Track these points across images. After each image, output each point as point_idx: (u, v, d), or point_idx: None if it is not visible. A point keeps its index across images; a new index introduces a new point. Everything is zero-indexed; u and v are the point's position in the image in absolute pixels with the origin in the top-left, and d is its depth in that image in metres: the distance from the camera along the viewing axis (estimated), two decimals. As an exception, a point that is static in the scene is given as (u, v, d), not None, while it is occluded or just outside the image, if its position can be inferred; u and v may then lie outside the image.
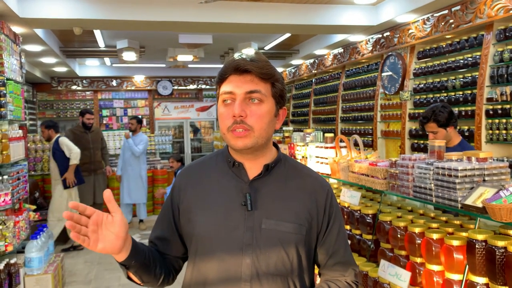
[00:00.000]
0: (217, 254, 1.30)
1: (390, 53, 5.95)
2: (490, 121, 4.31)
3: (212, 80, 12.02)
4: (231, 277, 1.28)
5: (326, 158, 3.32)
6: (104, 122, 11.52)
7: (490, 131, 4.30)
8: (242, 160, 1.37)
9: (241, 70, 1.29)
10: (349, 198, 2.80)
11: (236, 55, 1.33)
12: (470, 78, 4.63)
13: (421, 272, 2.16)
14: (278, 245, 1.30)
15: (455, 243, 1.94)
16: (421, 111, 5.35)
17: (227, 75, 1.32)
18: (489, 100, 4.30)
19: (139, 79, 11.61)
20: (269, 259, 1.29)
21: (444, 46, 5.01)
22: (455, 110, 4.79)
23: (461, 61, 4.74)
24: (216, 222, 1.32)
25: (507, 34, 4.12)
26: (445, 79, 4.99)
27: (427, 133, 3.39)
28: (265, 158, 1.38)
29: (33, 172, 7.31)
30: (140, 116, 11.39)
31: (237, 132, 1.29)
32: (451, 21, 4.71)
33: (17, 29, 5.26)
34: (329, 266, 1.41)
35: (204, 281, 1.32)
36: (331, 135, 3.48)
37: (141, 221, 7.44)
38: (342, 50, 7.36)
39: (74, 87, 11.24)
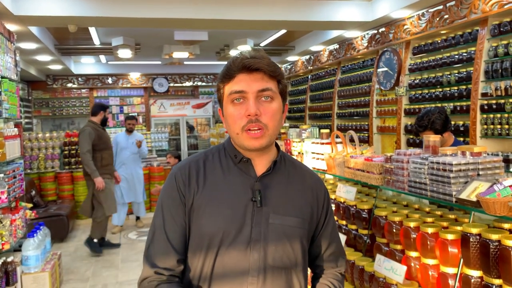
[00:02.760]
0: (224, 250, 1.30)
1: (385, 49, 5.96)
2: (485, 116, 4.33)
3: (209, 77, 12.00)
4: (239, 272, 1.29)
5: (322, 154, 3.33)
6: (100, 119, 11.49)
7: (485, 126, 4.32)
8: (249, 156, 1.37)
9: (252, 68, 1.28)
10: (344, 193, 2.81)
11: (239, 53, 1.32)
12: (465, 73, 4.65)
13: (417, 266, 2.17)
14: (284, 239, 1.32)
15: (450, 237, 1.95)
16: (417, 106, 5.37)
17: (234, 73, 1.30)
18: (484, 95, 4.32)
19: (134, 77, 11.58)
20: (275, 253, 1.31)
21: (439, 41, 5.02)
22: (450, 105, 4.82)
23: (456, 56, 4.76)
24: (224, 219, 1.31)
25: (502, 29, 4.14)
26: (440, 74, 5.01)
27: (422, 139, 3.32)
28: (270, 154, 1.39)
29: (29, 171, 7.29)
30: (135, 114, 11.44)
31: (253, 132, 1.28)
32: (446, 16, 4.72)
33: (12, 27, 5.23)
34: (325, 257, 1.48)
35: (210, 276, 1.31)
36: (327, 131, 3.49)
37: (138, 218, 7.38)
38: (337, 46, 7.37)
39: (69, 85, 11.21)
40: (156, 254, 1.33)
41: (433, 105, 5.07)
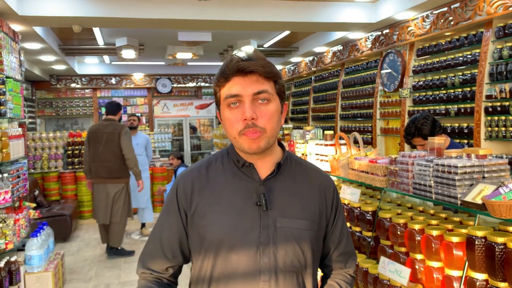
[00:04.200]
0: (234, 256, 1.28)
1: (389, 51, 5.95)
2: (489, 118, 4.32)
3: (212, 78, 12.00)
4: (250, 276, 1.28)
5: (326, 156, 3.32)
6: (104, 120, 11.53)
7: (489, 128, 4.31)
8: (251, 160, 1.35)
9: (246, 71, 1.26)
10: (349, 195, 2.80)
11: (234, 55, 1.29)
12: (469, 75, 4.64)
13: (421, 268, 2.16)
14: (293, 242, 1.31)
15: (455, 239, 1.94)
16: (421, 108, 5.36)
17: (229, 77, 1.28)
18: (488, 97, 4.30)
19: (138, 77, 11.60)
20: (286, 256, 1.30)
21: (443, 43, 5.01)
22: (455, 107, 4.80)
23: (460, 58, 4.74)
24: (231, 224, 1.30)
25: (506, 31, 4.12)
26: (444, 76, 5.00)
27: (416, 146, 3.28)
28: (273, 156, 1.38)
29: (32, 170, 7.31)
30: (139, 114, 11.43)
31: (251, 135, 1.26)
32: (450, 18, 4.71)
33: (16, 27, 5.25)
34: (334, 257, 1.46)
35: (221, 281, 1.31)
36: (331, 132, 3.48)
37: (143, 225, 7.00)
38: (341, 48, 7.36)
39: (73, 85, 11.24)
40: (148, 257, 1.40)
41: (437, 107, 5.06)
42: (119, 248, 5.79)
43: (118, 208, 5.62)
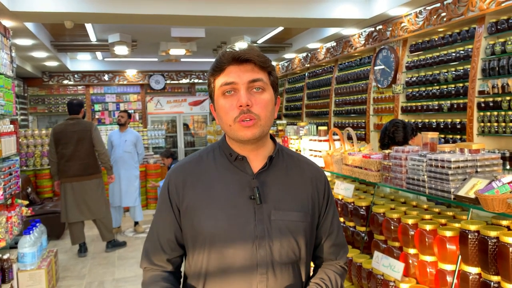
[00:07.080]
0: (231, 250, 1.29)
1: (382, 47, 5.96)
2: (482, 113, 4.34)
3: (205, 74, 11.96)
4: (247, 270, 1.29)
5: (320, 151, 3.33)
6: (97, 116, 11.48)
7: (482, 124, 4.33)
8: (244, 153, 1.36)
9: (241, 59, 1.28)
10: (342, 190, 2.81)
11: (228, 46, 1.32)
12: (462, 71, 4.65)
13: (415, 263, 2.17)
14: (288, 234, 1.32)
15: (448, 234, 1.95)
16: (414, 104, 5.38)
17: (225, 65, 1.29)
18: (481, 93, 4.32)
19: (131, 74, 11.54)
20: (281, 249, 1.31)
21: (436, 39, 5.03)
22: (447, 103, 4.82)
23: (453, 54, 4.76)
24: (225, 218, 1.30)
25: (499, 27, 4.14)
26: (437, 72, 5.01)
27: None
28: (265, 149, 1.39)
29: (25, 168, 7.26)
30: (132, 111, 11.38)
31: (245, 122, 1.27)
32: (443, 14, 4.72)
33: (7, 23, 5.19)
34: (325, 248, 1.47)
35: (218, 275, 1.31)
36: (325, 128, 3.49)
37: (136, 223, 6.97)
38: (334, 44, 7.36)
39: (65, 81, 11.16)
40: (149, 252, 1.42)
41: (430, 103, 5.08)
42: (113, 240, 5.95)
43: (100, 203, 5.70)
